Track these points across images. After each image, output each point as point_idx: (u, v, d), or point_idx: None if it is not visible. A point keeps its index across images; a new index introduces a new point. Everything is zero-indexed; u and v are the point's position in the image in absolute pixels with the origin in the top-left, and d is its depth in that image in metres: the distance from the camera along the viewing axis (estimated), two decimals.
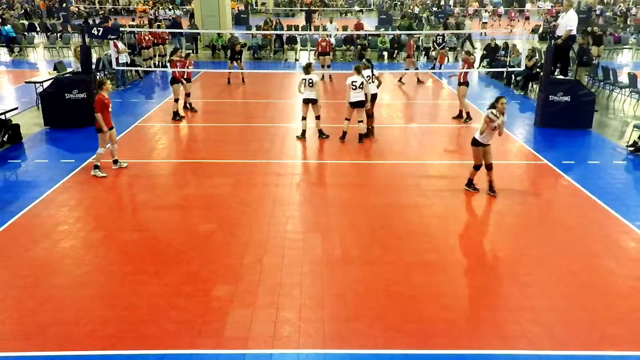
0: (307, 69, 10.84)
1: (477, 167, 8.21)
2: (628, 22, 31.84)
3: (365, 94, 10.56)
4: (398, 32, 23.62)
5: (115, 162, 9.29)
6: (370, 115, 11.04)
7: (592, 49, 19.58)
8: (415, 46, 17.73)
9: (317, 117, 11.05)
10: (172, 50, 13.02)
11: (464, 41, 24.09)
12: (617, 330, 5.06)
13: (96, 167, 8.96)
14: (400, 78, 17.19)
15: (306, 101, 10.84)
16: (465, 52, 13.32)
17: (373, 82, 11.00)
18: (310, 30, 27.04)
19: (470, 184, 8.39)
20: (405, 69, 17.19)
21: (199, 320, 5.16)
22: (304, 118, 11.02)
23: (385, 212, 7.70)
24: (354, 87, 10.40)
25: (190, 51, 18.24)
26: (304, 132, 11.07)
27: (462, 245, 6.71)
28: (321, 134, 11.09)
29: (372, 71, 10.97)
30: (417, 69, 17.27)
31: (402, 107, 13.99)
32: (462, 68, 12.58)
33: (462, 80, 12.19)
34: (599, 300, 5.54)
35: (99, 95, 8.79)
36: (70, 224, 7.23)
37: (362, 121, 10.76)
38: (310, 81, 10.70)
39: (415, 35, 18.81)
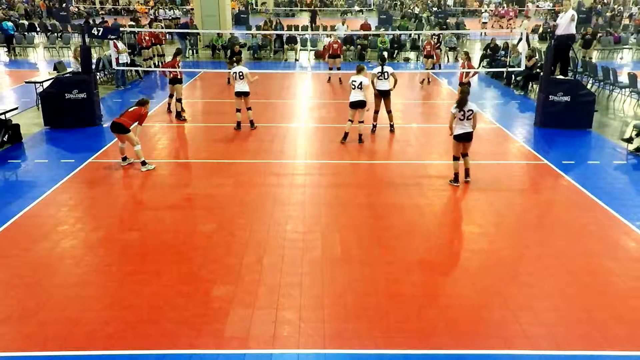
0: (237, 62, 11.54)
1: (455, 159, 8.55)
2: (621, 23, 31.80)
3: (378, 92, 10.97)
4: (398, 32, 23.62)
5: (125, 159, 9.43)
6: (388, 112, 11.40)
7: (582, 51, 19.72)
8: (434, 45, 17.53)
9: (249, 109, 11.60)
10: (177, 51, 13.01)
11: (520, 41, 23.34)
12: (618, 330, 5.05)
13: (144, 163, 9.24)
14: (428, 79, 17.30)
15: (238, 94, 11.37)
16: (464, 52, 13.31)
17: (386, 78, 11.11)
18: (313, 30, 26.90)
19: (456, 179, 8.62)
20: (426, 69, 17.25)
21: (199, 320, 5.15)
22: (237, 110, 11.56)
23: (385, 212, 7.70)
24: (353, 87, 10.47)
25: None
26: (239, 123, 11.60)
27: (462, 245, 6.72)
28: (252, 125, 11.71)
29: (382, 68, 11.06)
30: (432, 68, 17.26)
31: (402, 107, 13.99)
32: (462, 68, 12.60)
33: (464, 81, 12.19)
34: (599, 300, 5.54)
35: (145, 111, 9.47)
36: (70, 224, 7.23)
37: (362, 122, 10.78)
38: (241, 74, 11.23)
39: (430, 35, 18.70)
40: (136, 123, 9.30)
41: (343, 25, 22.74)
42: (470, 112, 8.22)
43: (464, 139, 8.37)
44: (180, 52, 13.09)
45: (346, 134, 10.82)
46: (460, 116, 8.21)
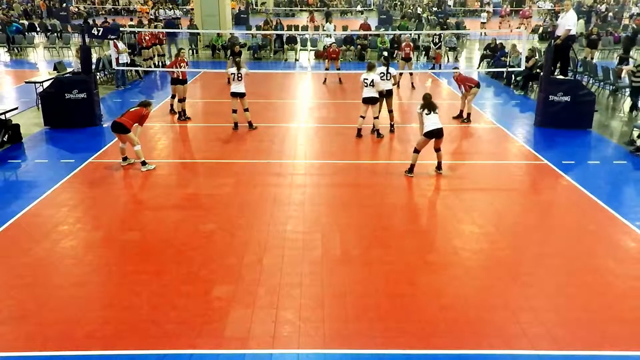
0: (238, 64, 11.57)
1: (416, 151, 8.95)
2: (621, 23, 31.74)
3: (380, 92, 11.10)
4: (398, 32, 23.61)
5: (125, 159, 9.43)
6: (390, 111, 11.58)
7: (586, 50, 19.67)
8: (412, 47, 17.31)
9: (246, 110, 11.61)
10: (177, 51, 13.00)
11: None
12: (617, 330, 5.06)
13: (144, 163, 9.25)
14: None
15: (234, 95, 11.44)
16: (454, 68, 13.31)
17: (389, 79, 11.37)
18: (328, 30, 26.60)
19: (411, 169, 8.98)
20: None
21: (199, 320, 5.15)
22: (234, 111, 11.58)
23: (385, 212, 7.70)
24: (365, 85, 10.82)
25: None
26: (236, 124, 11.69)
27: (462, 245, 6.71)
28: (250, 126, 11.73)
29: (387, 69, 11.30)
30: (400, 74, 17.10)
31: (401, 107, 13.99)
32: (463, 75, 12.59)
33: (474, 84, 12.21)
34: (599, 300, 5.54)
35: (147, 112, 9.47)
36: (70, 224, 7.23)
37: (377, 117, 11.11)
38: (239, 75, 11.26)
39: (408, 35, 18.62)
40: (137, 123, 9.30)
41: (330, 24, 23.06)
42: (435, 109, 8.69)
43: (435, 136, 8.72)
44: (180, 52, 13.02)
45: (359, 130, 11.13)
46: (426, 113, 8.68)
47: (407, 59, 16.88)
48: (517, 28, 29.39)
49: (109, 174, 9.13)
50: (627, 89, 14.15)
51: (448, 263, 6.30)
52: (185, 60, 12.79)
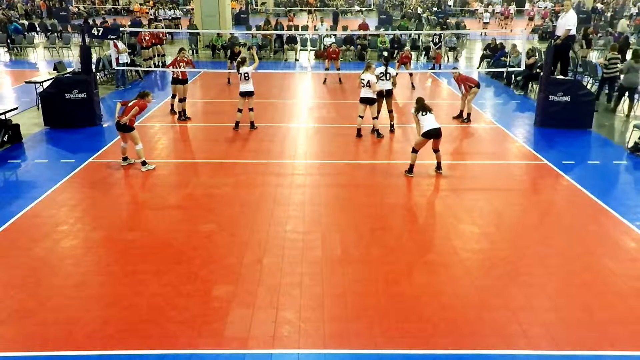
0: (242, 63, 11.48)
1: (414, 151, 8.96)
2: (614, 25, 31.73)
3: (380, 92, 11.14)
4: (398, 32, 23.61)
5: (125, 159, 9.41)
6: (389, 111, 11.63)
7: (582, 50, 19.69)
8: (410, 57, 17.27)
9: (251, 109, 11.63)
10: (179, 50, 13.00)
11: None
12: (617, 330, 5.06)
13: (144, 163, 9.24)
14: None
15: (243, 94, 11.41)
16: (454, 69, 13.32)
17: (388, 79, 11.39)
18: (335, 31, 26.46)
19: (411, 169, 9.02)
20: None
21: (199, 320, 5.16)
22: (239, 110, 11.54)
23: (385, 212, 7.70)
24: (362, 85, 10.87)
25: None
26: (237, 123, 11.62)
27: (462, 245, 6.71)
28: (252, 126, 11.72)
29: (386, 69, 11.32)
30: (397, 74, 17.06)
31: (401, 107, 13.99)
32: (463, 74, 12.57)
33: (474, 84, 12.22)
34: (599, 300, 5.54)
35: (144, 103, 9.29)
36: (70, 224, 7.23)
37: (376, 117, 11.14)
38: (246, 74, 11.26)
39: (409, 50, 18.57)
40: (136, 109, 9.13)
41: (322, 24, 23.11)
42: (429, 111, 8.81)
43: (434, 136, 8.74)
44: (180, 51, 12.99)
45: (358, 130, 11.16)
46: (422, 114, 8.78)
47: (402, 63, 16.92)
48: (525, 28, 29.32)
49: (109, 174, 9.13)
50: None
51: (448, 263, 6.30)
52: (185, 60, 12.73)
